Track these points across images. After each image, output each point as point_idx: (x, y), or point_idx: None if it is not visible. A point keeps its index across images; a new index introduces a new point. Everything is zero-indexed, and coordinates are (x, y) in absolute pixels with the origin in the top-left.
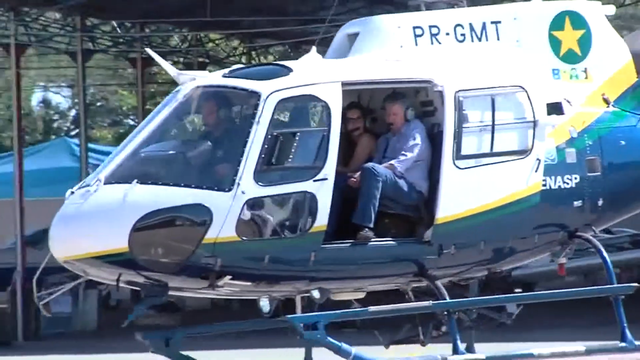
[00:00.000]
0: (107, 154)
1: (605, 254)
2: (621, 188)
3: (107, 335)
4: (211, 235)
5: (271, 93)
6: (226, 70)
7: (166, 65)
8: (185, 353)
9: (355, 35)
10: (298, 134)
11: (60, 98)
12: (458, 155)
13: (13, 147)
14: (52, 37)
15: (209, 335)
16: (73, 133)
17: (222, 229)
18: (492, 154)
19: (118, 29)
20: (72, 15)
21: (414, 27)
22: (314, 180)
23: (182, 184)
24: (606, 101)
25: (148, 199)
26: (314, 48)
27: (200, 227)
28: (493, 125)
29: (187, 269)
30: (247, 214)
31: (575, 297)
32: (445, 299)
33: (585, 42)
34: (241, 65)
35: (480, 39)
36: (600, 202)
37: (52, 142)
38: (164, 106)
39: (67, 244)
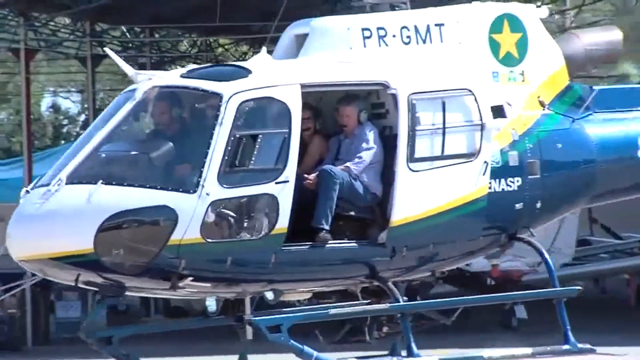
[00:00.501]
0: None
1: (547, 256)
2: (557, 190)
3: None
4: (176, 236)
5: (233, 94)
6: (183, 70)
7: (122, 63)
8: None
9: (304, 36)
10: (260, 136)
11: (70, 103)
12: (412, 158)
13: (22, 152)
14: (61, 42)
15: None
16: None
17: (187, 230)
18: (443, 157)
19: (127, 34)
20: (82, 20)
21: (363, 29)
22: (276, 183)
23: (147, 185)
24: (542, 104)
25: (113, 200)
26: (264, 48)
27: (165, 229)
28: (444, 128)
29: (151, 270)
30: (211, 216)
31: (521, 299)
32: (399, 301)
33: (522, 45)
34: (197, 66)
35: (424, 41)
36: (538, 205)
37: (61, 147)
38: (118, 105)
39: (28, 244)
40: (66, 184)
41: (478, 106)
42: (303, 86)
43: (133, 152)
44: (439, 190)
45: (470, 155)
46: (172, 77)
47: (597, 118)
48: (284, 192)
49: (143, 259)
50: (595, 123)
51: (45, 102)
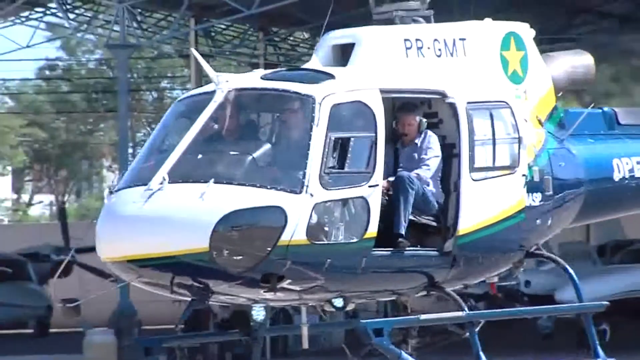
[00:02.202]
0: None
1: (571, 271)
2: (562, 208)
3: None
4: (285, 237)
5: (325, 97)
6: (259, 73)
7: (205, 64)
8: None
9: (347, 45)
10: (352, 139)
11: None
12: (472, 167)
13: None
14: (300, 57)
15: None
16: None
17: (295, 231)
18: (494, 168)
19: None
20: (318, 35)
21: (405, 40)
22: (369, 186)
23: (257, 185)
24: (540, 123)
25: (227, 199)
26: (314, 56)
27: (277, 229)
28: (494, 139)
29: (261, 270)
30: (315, 217)
31: (551, 313)
32: (464, 310)
33: (524, 64)
34: (274, 70)
35: (452, 54)
36: (549, 222)
37: None
38: (201, 106)
39: (135, 243)
40: (169, 182)
41: (515, 119)
42: (381, 91)
43: (233, 152)
44: (494, 200)
45: (513, 168)
46: (254, 79)
47: (574, 140)
48: (374, 196)
49: (255, 259)
50: (574, 145)
51: None
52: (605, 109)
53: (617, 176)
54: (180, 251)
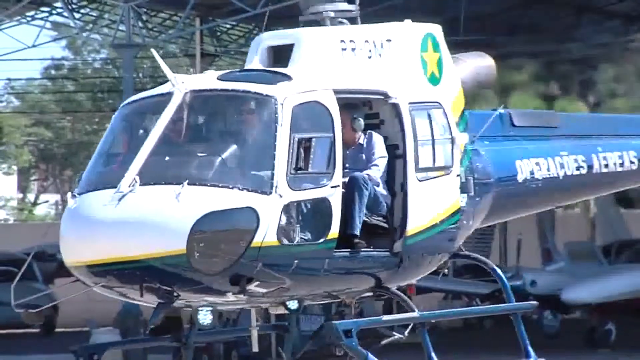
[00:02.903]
0: None
1: (500, 272)
2: (480, 207)
3: None
4: (258, 239)
5: (286, 97)
6: (215, 73)
7: (164, 66)
8: None
9: (288, 47)
10: (313, 139)
11: None
12: (417, 167)
13: None
14: None
15: None
16: None
17: (267, 233)
18: (434, 169)
19: None
20: None
21: (340, 40)
22: (331, 187)
23: (230, 186)
24: (456, 124)
25: (202, 200)
26: (252, 57)
27: (251, 231)
28: (433, 140)
29: (231, 273)
30: (283, 219)
31: (476, 315)
32: (414, 311)
33: (440, 66)
34: (228, 71)
35: (380, 56)
36: (472, 222)
37: None
38: (159, 107)
39: (107, 246)
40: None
41: (447, 120)
42: (335, 92)
43: (201, 154)
44: (436, 201)
45: (449, 168)
46: (211, 80)
47: (480, 142)
48: (336, 196)
49: (230, 261)
50: (482, 146)
51: None
52: (501, 110)
53: (520, 177)
54: (156, 253)
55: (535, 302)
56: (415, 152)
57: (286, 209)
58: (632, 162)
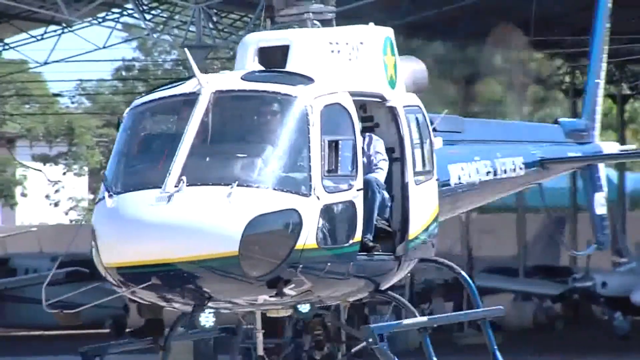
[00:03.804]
0: None
1: (466, 275)
2: (443, 210)
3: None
4: (300, 241)
5: (314, 99)
6: (239, 73)
7: (194, 64)
8: None
9: (281, 48)
10: (340, 141)
11: None
12: (414, 171)
13: None
14: None
15: None
16: None
17: (308, 235)
18: (424, 172)
19: (443, 48)
20: (396, 35)
21: (329, 42)
22: (357, 190)
23: (275, 188)
24: None
25: (252, 202)
26: (244, 58)
27: (296, 233)
28: (421, 144)
29: (278, 274)
30: (320, 221)
31: (447, 322)
32: (415, 314)
33: (396, 69)
34: (251, 70)
35: (357, 58)
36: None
37: None
38: (187, 108)
39: (163, 246)
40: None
41: (427, 124)
42: (351, 94)
43: (240, 155)
44: (427, 204)
45: (431, 172)
46: (236, 80)
47: None
48: (359, 199)
49: (275, 264)
50: None
51: None
52: (444, 115)
53: (452, 181)
54: (208, 255)
55: (501, 307)
56: (412, 156)
57: (323, 211)
58: (520, 168)
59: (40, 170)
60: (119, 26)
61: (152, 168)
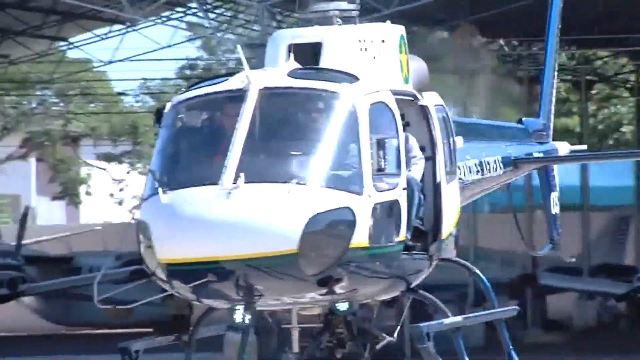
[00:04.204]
0: None
1: (482, 276)
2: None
3: (492, 352)
4: (355, 240)
5: (362, 97)
6: (284, 70)
7: (245, 62)
8: None
9: (312, 45)
10: (385, 139)
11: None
12: (445, 170)
13: None
14: (439, 57)
15: None
16: None
17: (360, 233)
18: (451, 172)
19: (505, 47)
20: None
21: (358, 40)
22: (402, 189)
23: (331, 186)
24: None
25: (311, 200)
26: (273, 55)
27: (351, 232)
28: (449, 143)
29: (333, 272)
30: (371, 220)
31: (475, 322)
32: (447, 313)
33: (408, 68)
34: (296, 68)
35: (379, 56)
36: None
37: None
38: (236, 104)
39: (223, 243)
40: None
41: (451, 123)
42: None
43: (294, 153)
44: (454, 203)
45: (454, 172)
46: (282, 77)
47: None
48: (403, 198)
49: (331, 262)
50: None
51: None
52: None
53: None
54: (268, 252)
55: (516, 307)
56: (443, 155)
57: (373, 210)
58: (500, 167)
59: (105, 169)
60: (183, 25)
61: (205, 165)
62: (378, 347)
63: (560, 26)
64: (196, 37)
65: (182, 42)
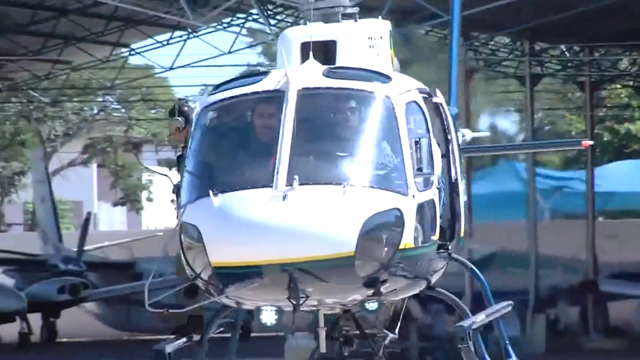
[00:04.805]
0: (555, 178)
1: (479, 273)
2: None
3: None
4: (403, 240)
5: (399, 96)
6: (319, 69)
7: (286, 61)
8: None
9: (325, 43)
10: (421, 139)
11: (508, 122)
12: (460, 169)
13: None
14: (500, 62)
15: None
16: (521, 157)
17: (408, 234)
18: (461, 170)
19: (566, 52)
20: (521, 39)
21: (367, 37)
22: (436, 187)
23: (381, 187)
24: None
25: (365, 202)
26: (283, 53)
27: (401, 233)
28: (457, 141)
29: (382, 274)
30: (415, 220)
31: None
32: (468, 314)
33: (394, 63)
34: (329, 67)
35: (380, 54)
36: None
37: (499, 166)
38: (275, 104)
39: (285, 245)
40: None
41: (455, 120)
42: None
43: (343, 154)
44: (464, 203)
45: (462, 170)
46: (318, 77)
47: None
48: (437, 197)
49: (383, 264)
50: None
51: (484, 121)
52: None
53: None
54: (326, 256)
55: (510, 302)
56: (458, 153)
57: (417, 210)
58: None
59: (166, 175)
60: (244, 31)
61: (254, 167)
62: (386, 343)
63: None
64: (257, 43)
65: (243, 49)
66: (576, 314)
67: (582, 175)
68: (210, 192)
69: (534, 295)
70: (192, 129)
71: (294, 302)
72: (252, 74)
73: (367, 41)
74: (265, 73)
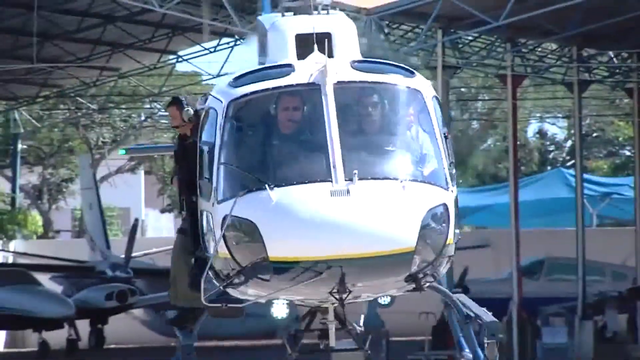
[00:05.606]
0: (603, 185)
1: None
2: None
3: None
4: (449, 236)
5: (427, 89)
6: (344, 62)
7: (325, 54)
8: None
9: (326, 35)
10: (447, 133)
11: (556, 129)
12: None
13: (508, 178)
14: (548, 68)
15: None
16: (568, 164)
17: (450, 229)
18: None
19: (615, 59)
20: (569, 45)
21: (354, 30)
22: (454, 185)
23: (431, 182)
24: None
25: (423, 197)
26: (274, 45)
27: (447, 227)
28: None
29: (431, 269)
30: (454, 214)
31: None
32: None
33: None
34: (357, 60)
35: (359, 47)
36: None
37: (547, 173)
38: (311, 98)
39: (348, 241)
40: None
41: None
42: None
43: (390, 148)
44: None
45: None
46: (349, 70)
47: None
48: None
49: (432, 259)
50: None
51: (532, 128)
52: None
53: None
54: (389, 251)
55: (459, 290)
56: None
57: (454, 204)
58: None
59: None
60: None
61: (304, 161)
62: (368, 340)
63: None
64: None
65: None
66: (624, 321)
67: (630, 181)
68: (267, 186)
69: (581, 302)
70: (221, 121)
71: (339, 297)
72: (273, 66)
73: (355, 34)
74: (289, 65)
